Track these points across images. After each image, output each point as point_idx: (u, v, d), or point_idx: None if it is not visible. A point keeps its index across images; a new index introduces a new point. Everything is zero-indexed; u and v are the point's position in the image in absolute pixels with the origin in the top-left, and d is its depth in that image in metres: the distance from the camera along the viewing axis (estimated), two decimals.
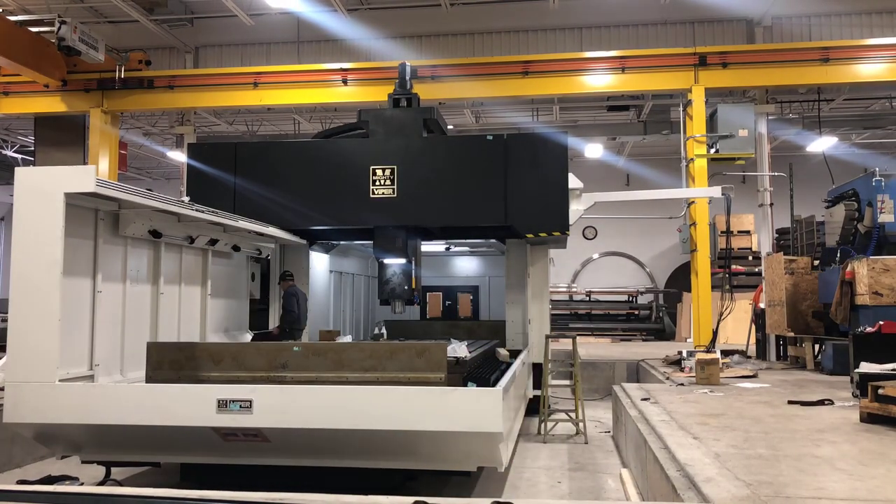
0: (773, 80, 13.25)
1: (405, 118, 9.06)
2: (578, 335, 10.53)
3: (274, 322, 9.65)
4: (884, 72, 12.87)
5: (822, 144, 16.50)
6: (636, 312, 20.80)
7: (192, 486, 4.74)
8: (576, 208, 9.79)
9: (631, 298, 21.25)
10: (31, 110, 15.37)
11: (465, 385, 5.92)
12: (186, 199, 7.28)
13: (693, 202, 13.02)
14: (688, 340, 16.27)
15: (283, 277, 9.51)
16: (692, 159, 12.95)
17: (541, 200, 8.63)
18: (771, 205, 13.59)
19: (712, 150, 12.94)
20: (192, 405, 5.20)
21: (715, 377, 8.76)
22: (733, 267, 18.12)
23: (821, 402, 7.02)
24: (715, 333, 11.96)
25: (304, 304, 9.52)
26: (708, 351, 10.76)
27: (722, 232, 12.55)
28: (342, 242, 10.94)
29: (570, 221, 9.09)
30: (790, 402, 7.12)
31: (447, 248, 12.33)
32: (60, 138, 15.87)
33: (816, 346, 10.80)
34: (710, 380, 8.73)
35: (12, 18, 12.56)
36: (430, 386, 5.29)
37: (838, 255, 10.65)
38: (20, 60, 12.61)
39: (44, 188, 5.22)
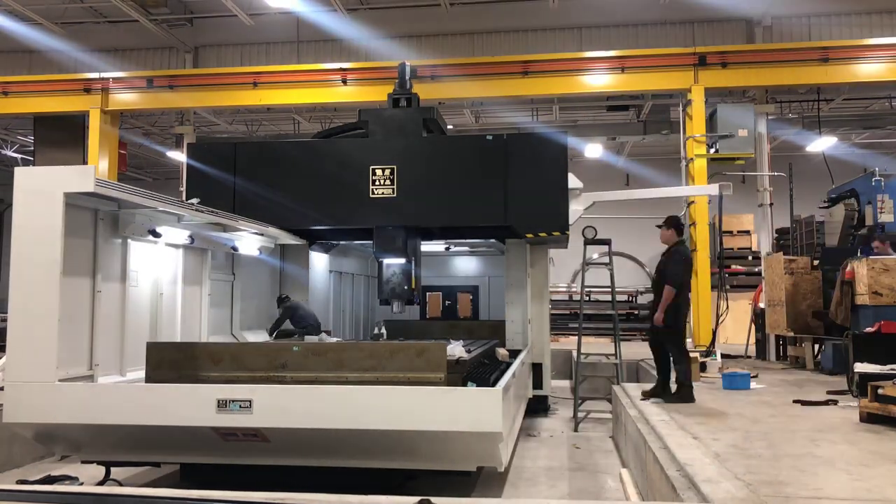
0: (773, 80, 13.26)
1: (405, 118, 9.04)
2: None
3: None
4: (883, 72, 12.87)
5: (821, 144, 16.50)
6: (636, 312, 20.79)
7: (192, 486, 4.73)
8: (575, 208, 9.78)
9: (631, 298, 21.24)
10: (31, 110, 15.40)
11: (465, 385, 5.92)
12: (195, 200, 7.26)
13: (693, 202, 13.03)
14: (688, 341, 16.25)
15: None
16: (692, 159, 12.96)
17: (540, 200, 8.61)
18: (771, 205, 13.60)
19: (712, 150, 12.95)
20: (191, 405, 5.19)
21: (694, 375, 8.80)
22: (733, 267, 18.15)
23: (825, 403, 7.03)
24: (714, 334, 11.96)
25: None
26: (708, 352, 10.78)
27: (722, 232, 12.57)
28: (342, 242, 10.93)
29: (570, 221, 9.09)
30: (800, 403, 7.12)
31: (447, 248, 12.32)
32: (60, 138, 15.89)
33: (816, 346, 10.80)
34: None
35: None
36: (429, 386, 5.29)
37: (820, 252, 10.71)
38: None
39: (43, 188, 5.21)
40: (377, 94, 13.09)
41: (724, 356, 11.05)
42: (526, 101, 17.36)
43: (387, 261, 8.82)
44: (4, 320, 5.62)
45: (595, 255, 22.71)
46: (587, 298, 21.22)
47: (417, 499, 3.09)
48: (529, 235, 8.91)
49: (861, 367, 6.73)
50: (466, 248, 12.75)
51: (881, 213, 10.33)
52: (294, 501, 2.96)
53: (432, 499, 3.11)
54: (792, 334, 11.10)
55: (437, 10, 14.82)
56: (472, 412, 4.96)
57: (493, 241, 10.88)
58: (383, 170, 8.61)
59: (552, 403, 10.80)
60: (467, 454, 5.27)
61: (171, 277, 7.36)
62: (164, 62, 16.59)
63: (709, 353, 10.57)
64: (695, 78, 13.05)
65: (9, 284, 5.23)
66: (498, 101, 16.52)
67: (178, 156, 16.32)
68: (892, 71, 12.82)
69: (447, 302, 13.32)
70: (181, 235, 7.27)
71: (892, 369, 6.52)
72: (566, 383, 12.86)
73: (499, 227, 8.84)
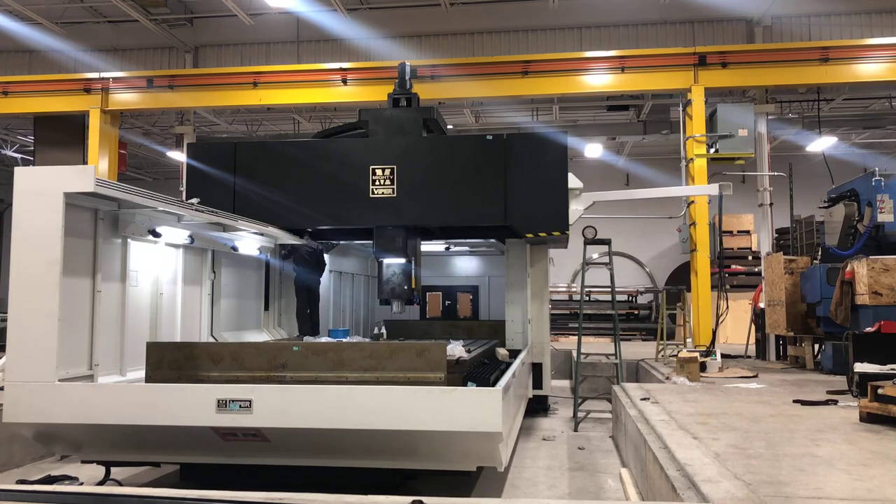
0: (773, 80, 13.25)
1: (405, 118, 9.05)
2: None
3: (273, 322, 9.65)
4: (883, 72, 12.86)
5: (821, 144, 16.50)
6: (636, 312, 20.81)
7: (192, 486, 4.73)
8: (575, 208, 9.78)
9: (631, 298, 21.25)
10: (31, 110, 15.39)
11: (465, 385, 5.92)
12: (195, 200, 7.27)
13: (693, 202, 13.02)
14: (688, 341, 16.26)
15: None
16: (692, 159, 12.95)
17: (541, 200, 8.62)
18: (771, 205, 13.59)
19: (712, 150, 12.94)
20: (191, 405, 5.19)
21: (694, 375, 8.82)
22: (733, 267, 18.16)
23: (825, 402, 7.03)
24: (714, 334, 11.96)
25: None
26: (708, 352, 10.78)
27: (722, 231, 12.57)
28: (342, 242, 10.94)
29: (570, 221, 9.09)
30: (794, 401, 7.12)
31: (447, 248, 12.33)
32: (60, 138, 15.88)
33: (816, 346, 10.80)
34: (690, 378, 8.80)
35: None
36: (429, 386, 5.29)
37: (819, 252, 10.74)
38: None
39: (43, 188, 5.21)
40: (377, 94, 13.09)
41: (724, 356, 11.05)
42: (526, 101, 17.36)
43: (387, 261, 8.83)
44: (4, 320, 5.62)
45: (595, 255, 22.76)
46: (587, 298, 21.27)
47: (411, 499, 3.09)
48: (529, 235, 8.91)
49: (861, 367, 6.73)
50: (466, 248, 12.76)
51: (881, 212, 10.32)
52: (294, 501, 2.96)
53: (424, 499, 3.11)
54: (792, 334, 11.10)
55: (437, 10, 14.81)
56: (472, 412, 4.96)
57: (493, 241, 10.89)
58: (383, 170, 8.62)
59: (552, 403, 10.81)
60: (467, 454, 5.27)
61: (171, 277, 7.37)
62: (164, 62, 16.59)
63: (709, 353, 10.57)
64: (695, 78, 13.04)
65: (9, 284, 5.23)
66: (498, 101, 16.52)
67: (178, 156, 16.31)
68: (892, 71, 12.81)
69: (447, 302, 13.32)
70: (181, 235, 7.27)
71: (892, 369, 6.52)
72: (566, 383, 12.87)
73: (499, 226, 8.85)
